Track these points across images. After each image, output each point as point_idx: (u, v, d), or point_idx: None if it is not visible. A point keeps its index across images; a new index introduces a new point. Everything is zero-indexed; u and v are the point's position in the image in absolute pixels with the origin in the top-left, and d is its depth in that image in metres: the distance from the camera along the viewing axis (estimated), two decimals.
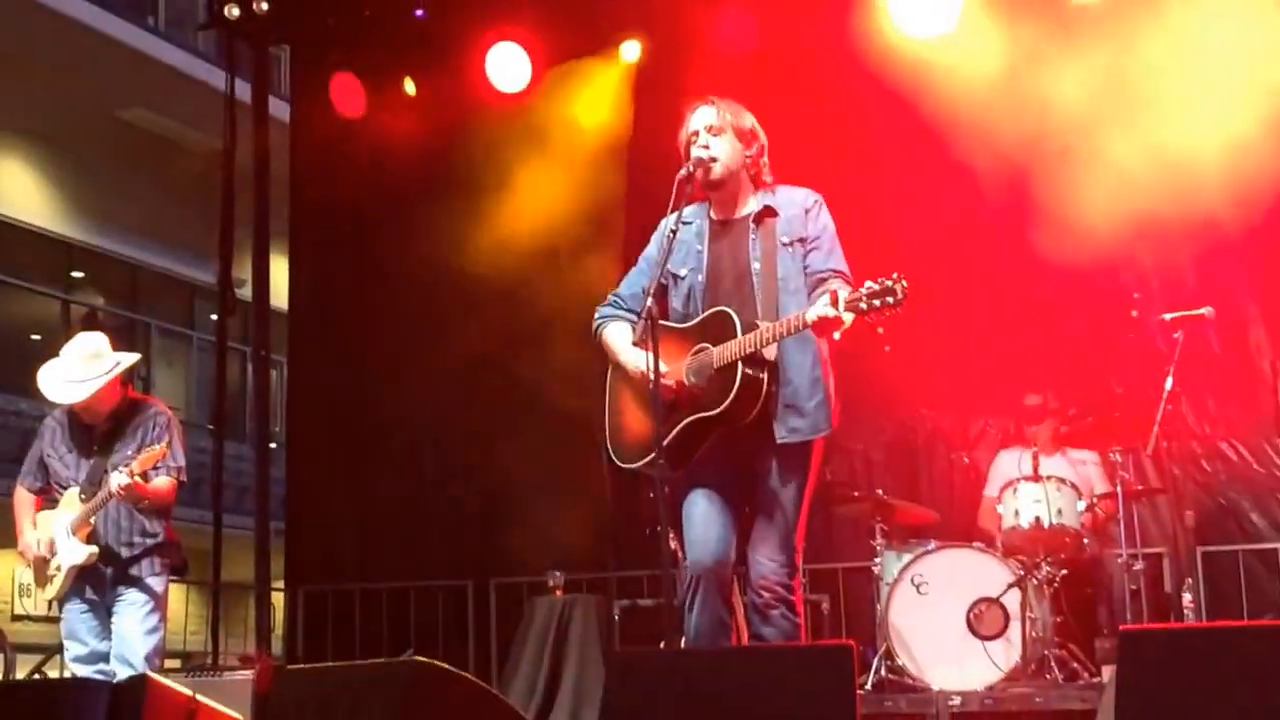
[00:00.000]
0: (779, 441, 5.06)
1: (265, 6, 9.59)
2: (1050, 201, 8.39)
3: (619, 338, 5.29)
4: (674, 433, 5.01)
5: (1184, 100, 8.19)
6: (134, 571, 6.43)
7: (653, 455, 4.94)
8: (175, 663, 12.89)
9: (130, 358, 6.52)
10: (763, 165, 5.31)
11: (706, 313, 5.08)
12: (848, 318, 4.73)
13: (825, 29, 9.04)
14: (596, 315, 5.45)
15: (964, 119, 8.39)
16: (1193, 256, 8.59)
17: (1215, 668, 3.52)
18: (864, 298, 4.67)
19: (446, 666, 4.03)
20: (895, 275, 4.65)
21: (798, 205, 5.20)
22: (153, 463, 6.22)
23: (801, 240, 5.15)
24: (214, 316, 19.16)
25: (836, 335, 4.89)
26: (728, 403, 4.90)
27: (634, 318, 5.27)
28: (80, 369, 6.36)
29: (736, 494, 5.18)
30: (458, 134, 9.88)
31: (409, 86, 9.88)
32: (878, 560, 7.91)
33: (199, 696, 4.01)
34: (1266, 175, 8.09)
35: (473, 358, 9.94)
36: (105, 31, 15.91)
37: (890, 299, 4.63)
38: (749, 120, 5.29)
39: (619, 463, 5.27)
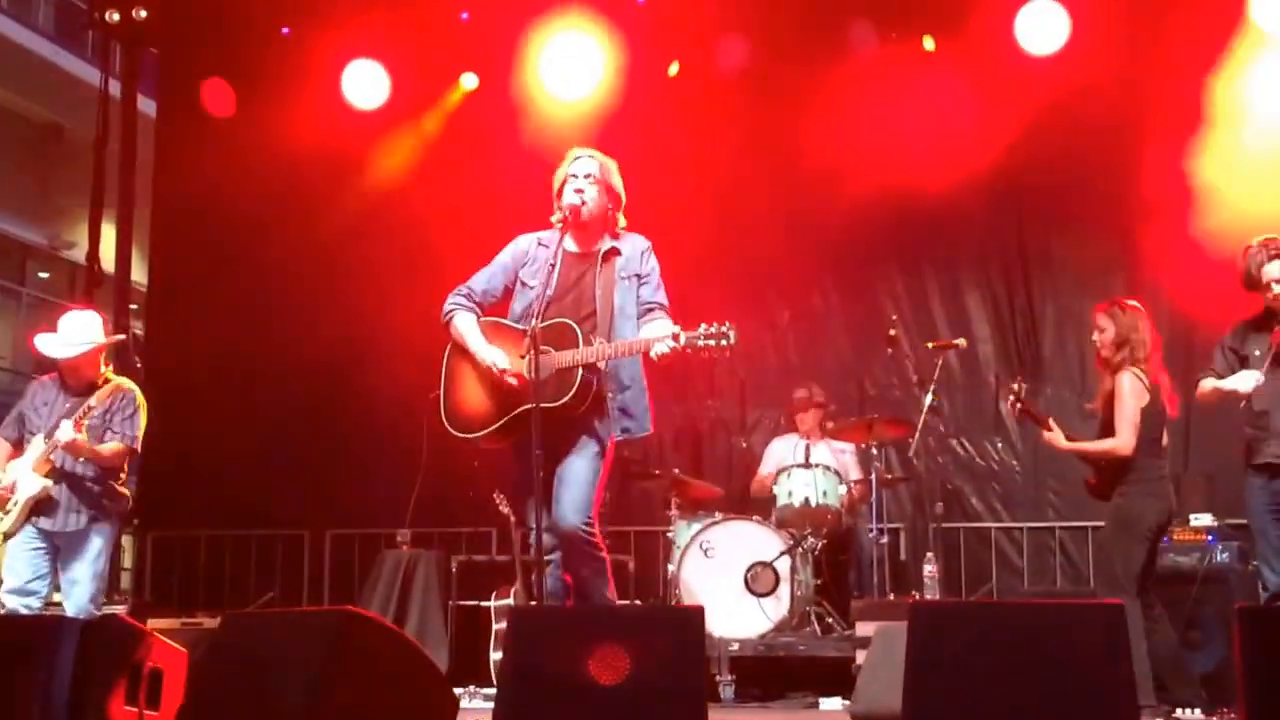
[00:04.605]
0: (617, 439, 5.32)
1: (144, 14, 9.34)
2: (810, 241, 8.79)
3: (469, 328, 5.38)
4: (511, 415, 5.18)
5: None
6: (88, 514, 6.36)
7: (487, 430, 5.21)
8: None
9: (115, 337, 6.78)
10: (617, 217, 5.47)
11: (551, 321, 5.16)
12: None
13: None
14: (448, 302, 5.46)
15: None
16: (937, 288, 8.98)
17: (987, 636, 3.63)
18: (700, 337, 4.91)
19: (375, 617, 3.89)
20: (726, 324, 4.90)
21: (636, 248, 5.42)
22: (85, 416, 6.23)
23: (637, 275, 5.37)
24: (42, 275, 18.29)
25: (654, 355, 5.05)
26: (568, 398, 5.06)
27: (478, 310, 5.41)
28: (73, 335, 6.46)
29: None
30: (316, 134, 9.40)
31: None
32: (672, 528, 7.93)
33: (154, 632, 3.98)
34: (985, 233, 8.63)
35: (316, 331, 9.57)
36: None
37: (723, 341, 4.90)
38: (617, 180, 5.45)
39: (452, 430, 5.35)
